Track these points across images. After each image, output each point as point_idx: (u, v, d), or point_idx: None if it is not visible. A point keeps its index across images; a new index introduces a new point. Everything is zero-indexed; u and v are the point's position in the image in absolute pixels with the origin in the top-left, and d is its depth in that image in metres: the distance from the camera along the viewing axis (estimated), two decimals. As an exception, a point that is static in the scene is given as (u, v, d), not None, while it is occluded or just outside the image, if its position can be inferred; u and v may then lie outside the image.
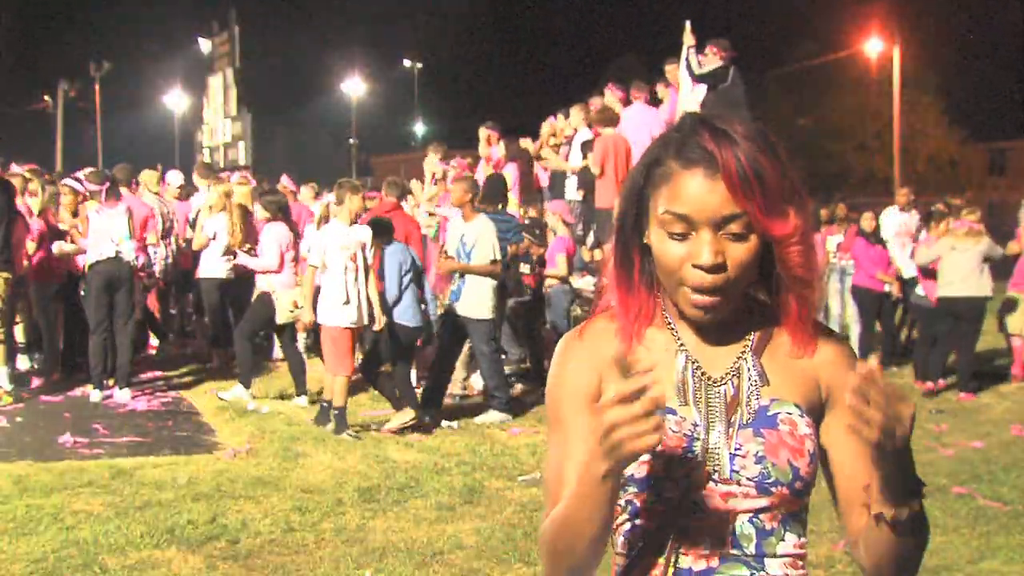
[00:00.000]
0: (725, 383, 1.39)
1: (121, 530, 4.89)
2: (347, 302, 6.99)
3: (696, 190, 1.31)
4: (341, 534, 4.99)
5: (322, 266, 7.08)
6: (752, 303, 1.44)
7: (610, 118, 9.80)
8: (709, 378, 1.40)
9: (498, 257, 7.62)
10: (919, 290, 9.52)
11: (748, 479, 1.34)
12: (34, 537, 4.78)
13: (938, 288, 9.01)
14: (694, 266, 1.31)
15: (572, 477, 1.36)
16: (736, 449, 1.35)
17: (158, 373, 9.27)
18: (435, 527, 5.12)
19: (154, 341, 10.41)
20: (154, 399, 8.20)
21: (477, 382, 8.63)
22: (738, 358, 1.41)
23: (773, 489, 1.34)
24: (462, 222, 7.74)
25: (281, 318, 8.08)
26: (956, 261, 8.88)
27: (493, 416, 7.67)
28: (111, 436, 6.98)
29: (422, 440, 7.03)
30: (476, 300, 7.55)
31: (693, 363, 1.40)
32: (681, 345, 1.42)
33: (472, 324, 7.60)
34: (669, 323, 1.43)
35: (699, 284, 1.32)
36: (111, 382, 8.28)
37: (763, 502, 1.35)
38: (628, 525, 1.41)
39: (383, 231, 7.53)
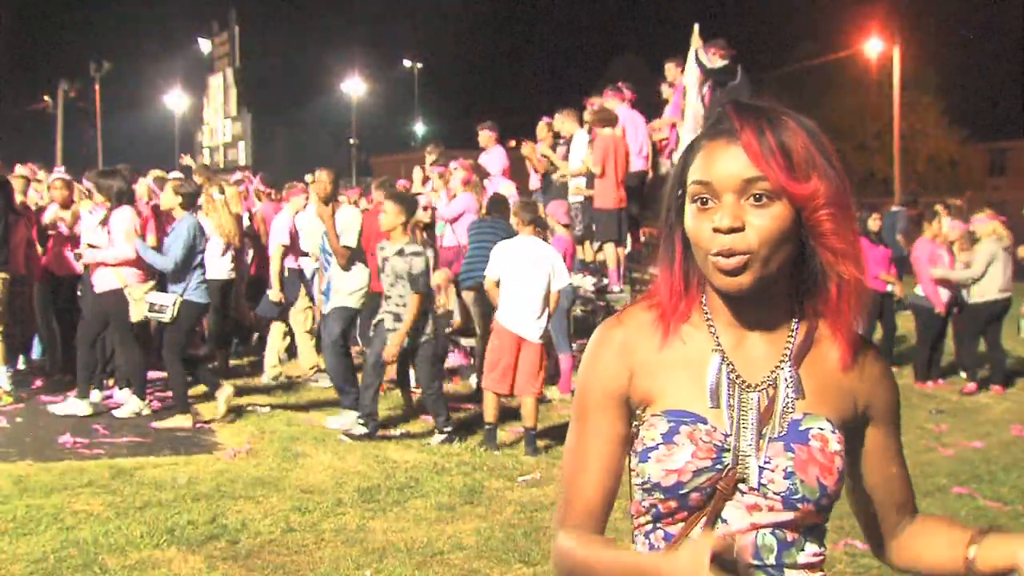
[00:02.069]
0: (760, 390, 1.38)
1: (121, 530, 4.88)
2: (539, 316, 6.80)
3: (719, 157, 1.33)
4: (341, 534, 4.98)
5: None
6: (796, 307, 1.42)
7: (608, 118, 9.79)
8: (744, 383, 1.38)
9: (353, 245, 7.61)
10: (921, 291, 9.47)
11: (775, 493, 1.34)
12: (34, 537, 4.77)
13: (982, 291, 8.85)
14: (714, 230, 1.31)
15: (586, 482, 1.42)
16: (765, 462, 1.34)
17: (158, 373, 9.26)
18: (435, 527, 5.12)
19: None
20: (154, 399, 8.18)
21: (472, 379, 8.63)
22: (776, 367, 1.40)
23: (799, 505, 1.34)
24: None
25: (136, 315, 7.43)
26: (1006, 261, 8.80)
27: (347, 418, 7.26)
28: (111, 436, 6.98)
29: (422, 440, 7.03)
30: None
31: (728, 365, 1.39)
32: (718, 346, 1.41)
33: (332, 310, 7.63)
34: (709, 322, 1.42)
35: (719, 249, 1.31)
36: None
37: (787, 516, 1.35)
38: (650, 527, 1.42)
39: (192, 200, 7.60)
